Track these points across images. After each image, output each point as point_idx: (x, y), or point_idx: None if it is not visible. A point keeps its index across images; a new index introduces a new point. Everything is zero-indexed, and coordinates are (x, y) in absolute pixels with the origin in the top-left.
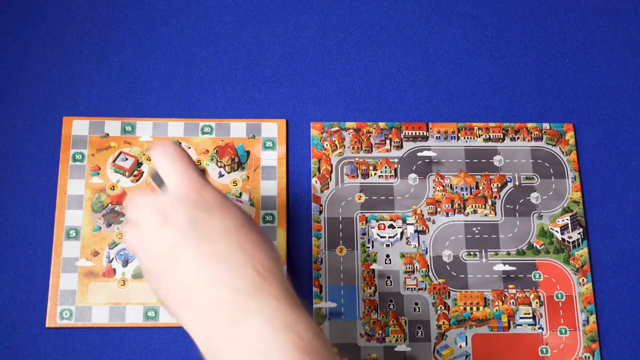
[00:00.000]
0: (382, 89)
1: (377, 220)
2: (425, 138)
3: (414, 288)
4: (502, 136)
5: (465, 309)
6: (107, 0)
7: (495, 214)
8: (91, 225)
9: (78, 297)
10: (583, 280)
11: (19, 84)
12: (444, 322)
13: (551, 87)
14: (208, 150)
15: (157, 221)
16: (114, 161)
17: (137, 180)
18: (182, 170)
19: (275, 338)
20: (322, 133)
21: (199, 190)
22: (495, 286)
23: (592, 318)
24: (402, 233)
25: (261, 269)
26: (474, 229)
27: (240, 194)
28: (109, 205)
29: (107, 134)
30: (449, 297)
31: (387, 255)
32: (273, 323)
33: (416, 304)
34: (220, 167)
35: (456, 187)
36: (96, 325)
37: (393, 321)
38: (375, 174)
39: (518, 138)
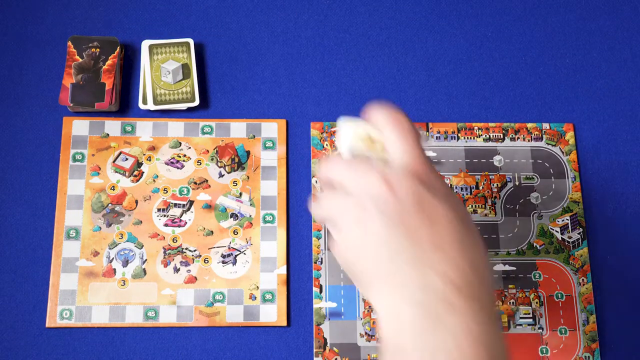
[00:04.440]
0: (382, 89)
1: None
2: (425, 138)
3: None
4: (502, 136)
5: None
6: (107, 0)
7: (495, 214)
8: (91, 225)
9: (78, 297)
10: (583, 280)
11: (19, 84)
12: None
13: (551, 87)
14: (208, 150)
15: (379, 187)
16: (114, 161)
17: (137, 181)
18: (414, 146)
19: (471, 346)
20: (322, 133)
21: (428, 171)
22: (495, 286)
23: (592, 318)
24: None
25: (480, 272)
26: None
27: (240, 194)
28: (109, 205)
29: (107, 134)
30: None
31: None
32: (474, 333)
33: None
34: (220, 167)
35: (456, 187)
36: (96, 325)
37: None
38: None
39: (518, 138)
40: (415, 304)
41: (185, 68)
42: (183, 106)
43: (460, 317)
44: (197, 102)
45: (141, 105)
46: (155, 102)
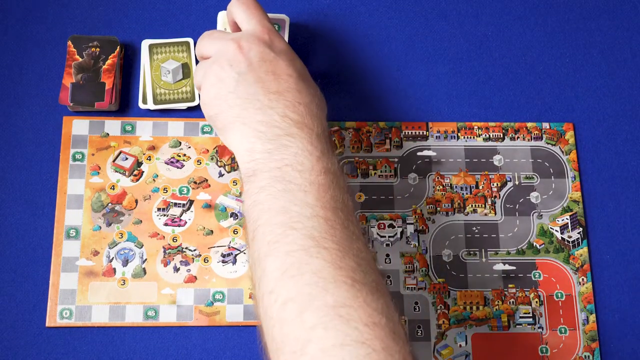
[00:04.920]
0: (382, 89)
1: (377, 220)
2: (425, 137)
3: (414, 287)
4: (502, 136)
5: (465, 308)
6: (107, 0)
7: (495, 214)
8: (91, 224)
9: (78, 296)
10: (583, 279)
11: (19, 83)
12: (443, 321)
13: (551, 87)
14: (208, 150)
15: (232, 49)
16: (114, 161)
17: (137, 180)
18: (257, 16)
19: (309, 160)
20: None
21: (271, 36)
22: (495, 285)
23: (592, 317)
24: (402, 232)
25: (313, 112)
26: (474, 228)
27: (241, 193)
28: (109, 204)
29: (107, 134)
30: (449, 296)
31: (387, 255)
32: (311, 151)
33: (416, 303)
34: (220, 166)
35: (456, 187)
36: (96, 324)
37: None
38: (375, 173)
39: (518, 137)
40: (265, 138)
41: (185, 68)
42: (183, 106)
43: (298, 141)
44: (196, 102)
45: (141, 105)
46: (155, 102)
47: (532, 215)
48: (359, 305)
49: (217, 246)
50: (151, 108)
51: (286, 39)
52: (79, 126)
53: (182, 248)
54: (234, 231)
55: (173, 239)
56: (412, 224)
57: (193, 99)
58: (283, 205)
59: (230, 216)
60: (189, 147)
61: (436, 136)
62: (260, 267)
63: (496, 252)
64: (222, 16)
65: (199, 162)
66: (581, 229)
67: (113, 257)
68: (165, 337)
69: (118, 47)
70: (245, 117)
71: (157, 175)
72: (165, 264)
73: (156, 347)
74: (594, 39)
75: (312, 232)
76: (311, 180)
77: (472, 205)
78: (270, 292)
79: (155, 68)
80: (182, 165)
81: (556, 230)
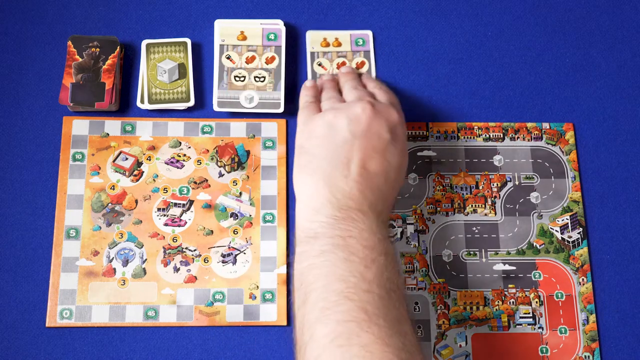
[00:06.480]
0: None
1: None
2: (425, 138)
3: (414, 288)
4: (502, 136)
5: (465, 308)
6: (107, 0)
7: (495, 214)
8: (91, 224)
9: (78, 296)
10: (583, 279)
11: (19, 83)
12: (443, 321)
13: (551, 87)
14: (208, 150)
15: (361, 109)
16: (114, 161)
17: (137, 180)
18: (395, 98)
19: (373, 239)
20: None
21: (400, 120)
22: (495, 286)
23: (592, 318)
24: (402, 233)
25: (388, 202)
26: (474, 228)
27: (240, 193)
28: (109, 204)
29: (107, 134)
30: (449, 296)
31: None
32: (375, 232)
33: (416, 303)
34: (220, 166)
35: (456, 187)
36: (96, 324)
37: None
38: None
39: (518, 138)
40: (337, 205)
41: (182, 68)
42: (178, 106)
43: (366, 218)
44: (192, 103)
45: (139, 104)
46: (150, 101)
47: (532, 215)
48: None
49: (217, 246)
50: (147, 108)
51: (283, 45)
52: (79, 126)
53: (182, 248)
54: (234, 231)
55: (173, 239)
56: (412, 224)
57: (188, 99)
58: (342, 273)
59: (230, 216)
60: (189, 147)
61: (436, 136)
62: (308, 331)
63: (496, 252)
64: (219, 24)
65: (199, 162)
66: (581, 229)
67: (113, 257)
68: (165, 337)
69: (118, 47)
70: (330, 177)
71: (157, 175)
72: (165, 264)
73: (156, 347)
74: (594, 39)
75: (366, 306)
76: (372, 257)
77: (472, 206)
78: (316, 357)
79: (151, 67)
80: (182, 165)
81: (556, 231)
